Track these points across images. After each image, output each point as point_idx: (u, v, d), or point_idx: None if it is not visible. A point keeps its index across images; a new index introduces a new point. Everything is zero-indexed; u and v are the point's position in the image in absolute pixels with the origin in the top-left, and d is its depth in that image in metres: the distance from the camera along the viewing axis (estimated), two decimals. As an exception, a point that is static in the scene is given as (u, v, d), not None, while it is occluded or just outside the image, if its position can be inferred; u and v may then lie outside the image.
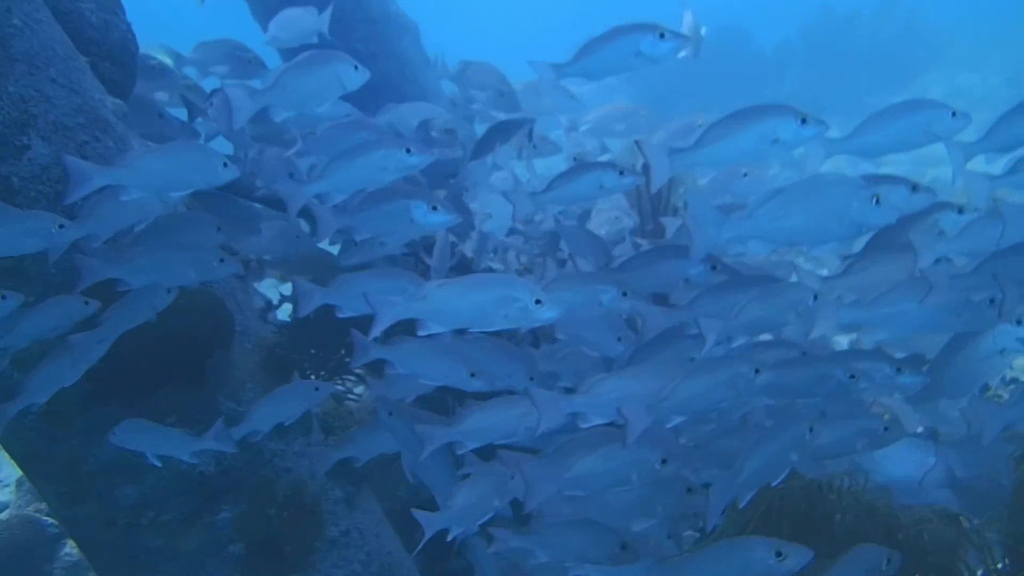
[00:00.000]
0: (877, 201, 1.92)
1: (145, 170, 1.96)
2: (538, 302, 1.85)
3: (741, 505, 1.91)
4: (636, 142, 2.11)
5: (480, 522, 2.06)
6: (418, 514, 2.10)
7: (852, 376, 2.08)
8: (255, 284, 2.87)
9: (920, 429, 2.57)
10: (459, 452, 2.07)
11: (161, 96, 2.83)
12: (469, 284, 1.93)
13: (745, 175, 3.10)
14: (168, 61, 2.98)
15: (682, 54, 3.60)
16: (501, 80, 3.13)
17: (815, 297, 2.11)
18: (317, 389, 2.32)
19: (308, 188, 2.19)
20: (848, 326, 2.36)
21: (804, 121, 1.97)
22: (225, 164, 2.02)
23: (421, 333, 1.90)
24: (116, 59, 2.52)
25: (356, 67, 2.21)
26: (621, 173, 2.28)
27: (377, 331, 1.93)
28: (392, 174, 2.17)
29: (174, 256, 2.08)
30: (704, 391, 1.91)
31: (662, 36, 2.21)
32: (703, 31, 3.47)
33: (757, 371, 1.95)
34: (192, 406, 2.29)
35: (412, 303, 1.89)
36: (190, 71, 3.05)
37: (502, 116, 3.12)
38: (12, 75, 2.10)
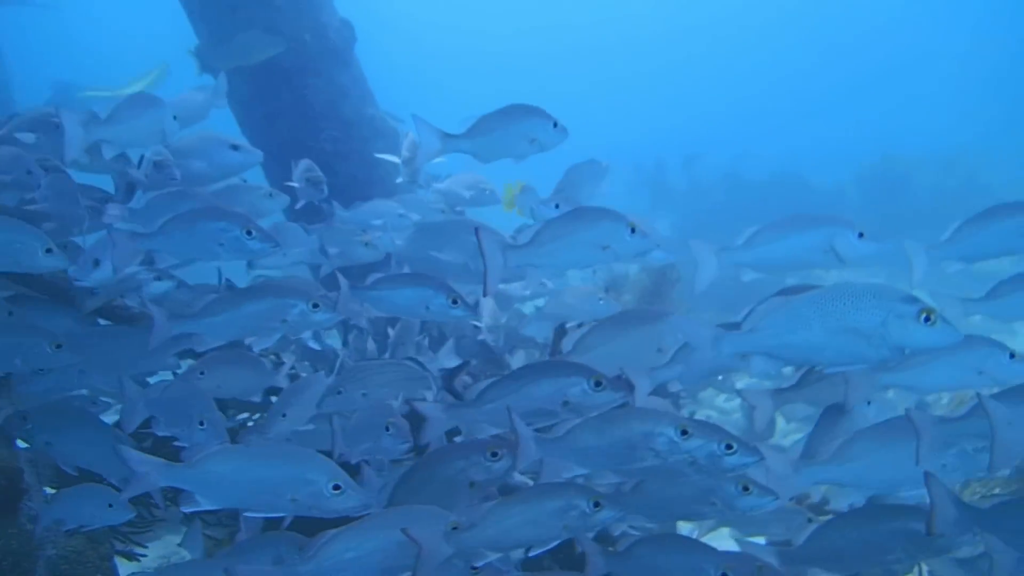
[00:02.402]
0: (928, 319, 1.56)
1: None
2: (337, 488, 1.58)
3: None
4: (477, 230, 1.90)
5: None
6: None
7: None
8: None
9: None
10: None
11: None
12: (252, 456, 1.63)
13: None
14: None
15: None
16: (409, 147, 3.08)
17: (684, 432, 1.66)
18: (110, 506, 1.91)
19: (139, 244, 2.03)
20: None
21: (633, 230, 1.91)
22: (49, 250, 1.84)
23: (185, 509, 1.63)
24: None
25: (175, 117, 2.22)
26: (455, 302, 2.04)
27: (125, 496, 1.70)
28: (226, 252, 2.00)
29: None
30: (522, 524, 1.59)
31: (555, 126, 2.18)
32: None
33: (597, 504, 1.61)
34: None
35: (176, 471, 1.62)
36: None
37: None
38: None
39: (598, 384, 1.81)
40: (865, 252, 1.96)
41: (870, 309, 1.58)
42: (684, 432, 1.63)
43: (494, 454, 1.80)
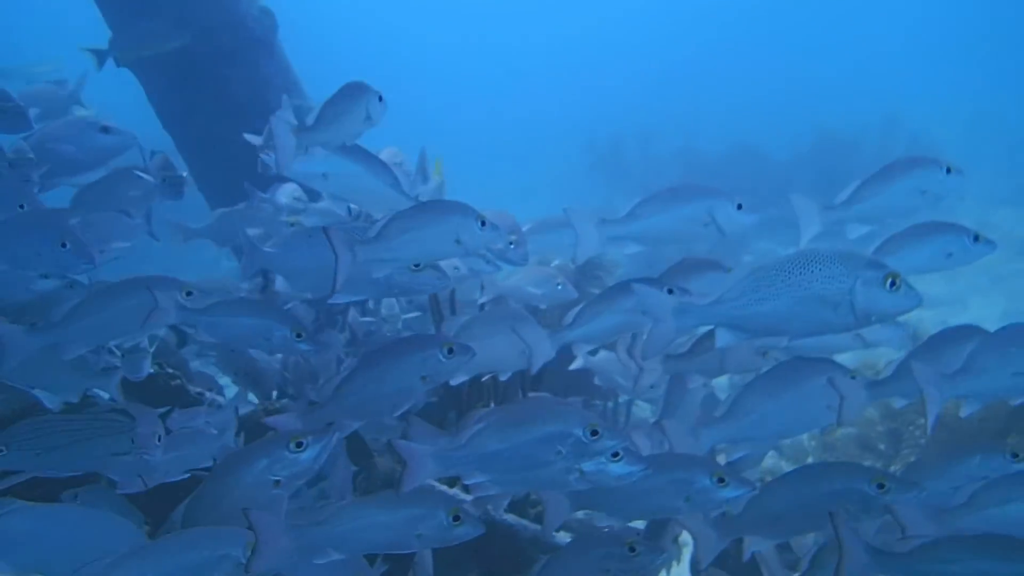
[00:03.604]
0: (894, 284, 1.52)
1: None
2: None
3: None
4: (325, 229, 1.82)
5: None
6: None
7: None
8: None
9: None
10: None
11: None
12: (50, 518, 1.48)
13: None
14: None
15: None
16: (267, 136, 2.98)
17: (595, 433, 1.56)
18: None
19: None
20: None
21: (483, 224, 1.84)
22: None
23: None
24: None
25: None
26: (299, 335, 1.99)
27: None
28: (43, 263, 1.89)
29: None
30: (373, 526, 1.53)
31: (380, 99, 2.10)
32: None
33: (457, 518, 1.55)
34: None
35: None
36: None
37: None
38: None
39: (450, 351, 1.79)
40: (745, 223, 1.97)
41: (838, 276, 1.53)
42: (594, 432, 1.52)
43: (298, 444, 1.63)
